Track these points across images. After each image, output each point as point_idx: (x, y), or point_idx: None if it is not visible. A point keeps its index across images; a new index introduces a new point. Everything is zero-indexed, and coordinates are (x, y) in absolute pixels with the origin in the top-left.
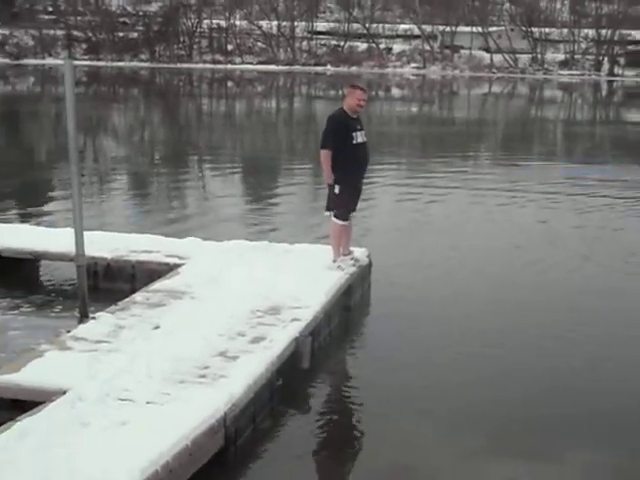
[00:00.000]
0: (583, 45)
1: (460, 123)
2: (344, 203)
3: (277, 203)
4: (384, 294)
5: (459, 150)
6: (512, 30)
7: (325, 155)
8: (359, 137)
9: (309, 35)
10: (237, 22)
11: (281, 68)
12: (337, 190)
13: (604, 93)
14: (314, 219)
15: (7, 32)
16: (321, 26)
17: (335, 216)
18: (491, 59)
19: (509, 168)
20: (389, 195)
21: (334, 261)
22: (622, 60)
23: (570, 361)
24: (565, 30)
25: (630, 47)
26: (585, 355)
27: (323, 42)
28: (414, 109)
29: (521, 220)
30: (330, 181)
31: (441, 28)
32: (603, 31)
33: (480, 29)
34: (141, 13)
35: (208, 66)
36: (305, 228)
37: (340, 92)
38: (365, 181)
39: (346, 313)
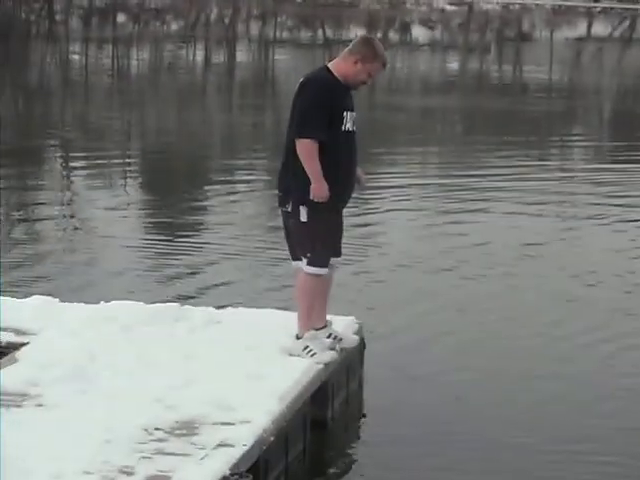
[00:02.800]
0: None
1: (538, 91)
2: (321, 238)
3: (199, 232)
4: (386, 399)
5: (536, 140)
6: None
7: (310, 149)
8: (349, 121)
9: None
10: None
11: None
12: (304, 216)
13: None
14: (268, 263)
15: None
16: None
17: (309, 263)
18: None
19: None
20: (403, 220)
21: (299, 337)
22: None
23: None
24: None
25: None
26: None
27: None
28: (452, 65)
29: None
30: (323, 194)
31: None
32: None
33: None
34: None
35: None
36: (251, 279)
37: (320, 33)
38: (356, 198)
39: (318, 433)
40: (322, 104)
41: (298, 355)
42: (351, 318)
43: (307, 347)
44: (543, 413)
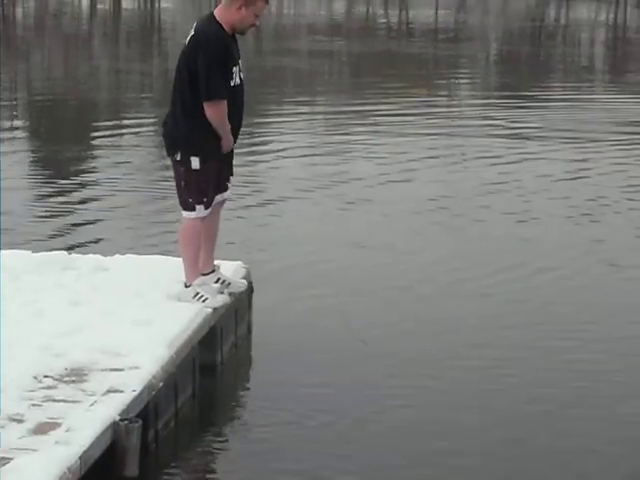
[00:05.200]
0: None
1: (424, 34)
2: (206, 184)
3: (86, 178)
4: (276, 345)
5: (424, 78)
6: None
7: (221, 110)
8: (238, 74)
9: None
10: None
11: None
12: (196, 164)
13: None
14: (155, 207)
15: None
16: None
17: (191, 208)
18: None
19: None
20: (293, 165)
21: (188, 285)
22: None
23: None
24: None
25: None
26: None
27: None
28: (339, 9)
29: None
30: (230, 146)
31: None
32: None
33: None
34: None
35: None
36: (138, 226)
37: None
38: (243, 143)
39: (207, 378)
40: (219, 64)
41: (191, 299)
42: (238, 262)
43: (197, 293)
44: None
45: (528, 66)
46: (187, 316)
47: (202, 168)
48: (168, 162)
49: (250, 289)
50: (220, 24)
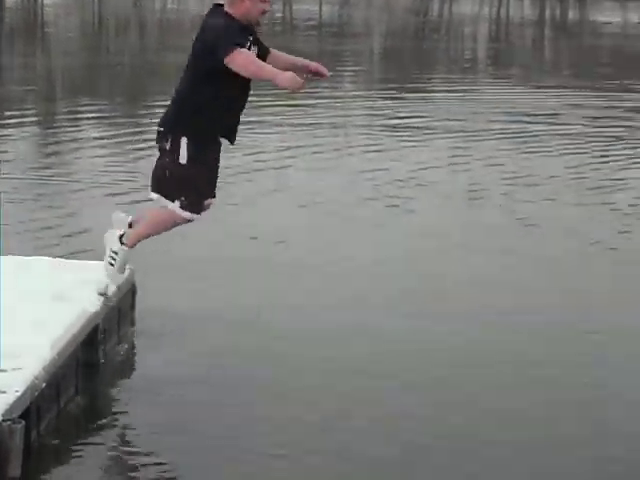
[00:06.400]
0: None
1: (308, 29)
2: (198, 185)
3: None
4: (159, 341)
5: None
6: None
7: (245, 57)
8: (253, 49)
9: None
10: None
11: None
12: (183, 157)
13: None
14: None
15: None
16: None
17: (182, 207)
18: None
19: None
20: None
21: (123, 242)
22: None
23: None
24: None
25: None
26: None
27: None
28: None
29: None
30: (291, 80)
31: None
32: None
33: None
34: None
35: None
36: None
37: None
38: None
39: (90, 377)
40: (234, 28)
41: (110, 249)
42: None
43: (117, 254)
44: None
45: (412, 59)
46: (71, 316)
47: (190, 165)
48: (48, 154)
49: (134, 289)
50: (229, 15)
